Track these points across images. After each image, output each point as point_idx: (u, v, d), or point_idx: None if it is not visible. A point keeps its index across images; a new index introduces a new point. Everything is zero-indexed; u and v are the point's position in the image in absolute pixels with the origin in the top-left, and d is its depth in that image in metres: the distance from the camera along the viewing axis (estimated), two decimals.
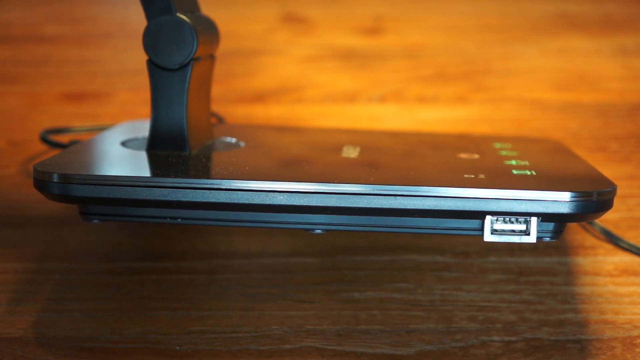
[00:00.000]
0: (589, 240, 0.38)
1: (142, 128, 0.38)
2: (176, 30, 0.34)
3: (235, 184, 0.30)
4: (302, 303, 0.33)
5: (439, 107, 0.58)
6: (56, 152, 0.46)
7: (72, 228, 0.38)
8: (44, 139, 0.45)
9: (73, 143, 0.42)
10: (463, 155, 0.36)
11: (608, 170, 0.46)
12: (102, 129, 0.49)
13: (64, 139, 0.46)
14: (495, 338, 0.31)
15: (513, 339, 0.31)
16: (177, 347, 0.30)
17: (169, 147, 0.34)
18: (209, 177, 0.31)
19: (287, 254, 0.36)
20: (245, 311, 0.32)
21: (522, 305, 0.33)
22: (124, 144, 0.36)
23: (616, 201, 0.42)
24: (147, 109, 0.35)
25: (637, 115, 0.56)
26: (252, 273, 0.35)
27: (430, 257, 0.36)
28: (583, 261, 0.36)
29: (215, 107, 0.55)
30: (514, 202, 0.29)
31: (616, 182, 0.44)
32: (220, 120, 0.52)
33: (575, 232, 0.39)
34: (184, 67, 0.34)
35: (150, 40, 0.34)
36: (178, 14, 0.34)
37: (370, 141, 0.39)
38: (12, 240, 0.37)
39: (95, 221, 0.31)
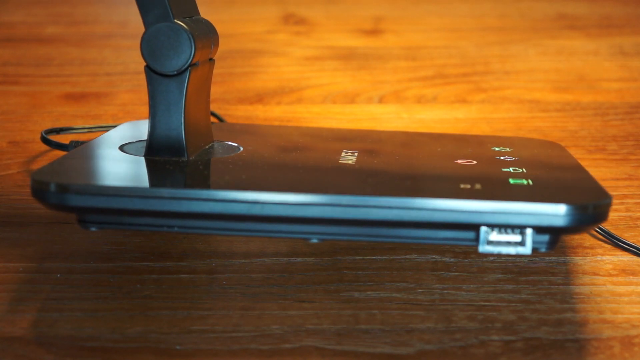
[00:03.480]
0: (587, 240, 0.38)
1: (142, 129, 0.38)
2: (174, 37, 0.34)
3: (231, 196, 0.30)
4: (302, 303, 0.33)
5: (439, 108, 0.58)
6: (57, 152, 0.46)
7: (73, 228, 0.38)
8: (45, 139, 0.45)
9: (74, 142, 0.42)
10: (461, 162, 0.36)
11: (606, 171, 0.46)
12: (102, 129, 0.49)
13: (64, 139, 0.46)
14: (495, 337, 0.31)
15: (512, 338, 0.31)
16: (178, 347, 0.30)
17: (166, 153, 0.34)
18: (205, 188, 0.31)
19: (287, 254, 0.36)
20: (246, 311, 0.32)
21: (521, 304, 0.33)
22: (122, 148, 0.36)
23: (615, 201, 0.42)
24: (147, 109, 0.35)
25: (636, 116, 0.56)
26: (253, 273, 0.35)
27: (430, 256, 0.36)
28: (582, 261, 0.36)
29: (215, 108, 0.55)
30: (509, 215, 0.29)
31: (614, 183, 0.45)
32: (221, 120, 0.53)
33: None
34: (181, 73, 0.34)
35: (148, 46, 0.34)
36: (176, 20, 0.34)
37: (368, 144, 0.39)
38: (14, 240, 0.37)
39: (93, 229, 0.31)
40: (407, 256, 0.36)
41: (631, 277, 0.35)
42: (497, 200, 0.29)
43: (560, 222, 0.29)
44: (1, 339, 0.30)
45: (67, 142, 0.44)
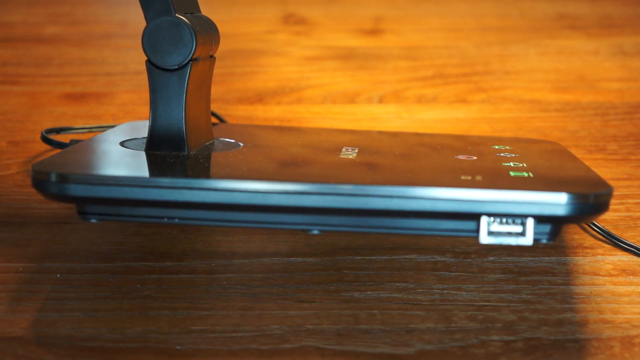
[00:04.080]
0: (587, 240, 0.38)
1: (142, 128, 0.38)
2: (175, 31, 0.34)
3: (232, 185, 0.30)
4: (302, 303, 0.33)
5: (439, 108, 0.58)
6: (57, 152, 0.46)
7: (73, 227, 0.38)
8: (45, 138, 0.45)
9: (74, 142, 0.42)
10: (461, 157, 0.36)
11: (607, 171, 0.46)
12: (102, 129, 0.49)
13: (65, 139, 0.46)
14: (495, 337, 0.31)
15: (512, 338, 0.31)
16: (178, 347, 0.30)
17: (167, 148, 0.35)
18: (205, 177, 0.31)
19: (287, 254, 0.36)
20: (246, 311, 0.32)
21: (521, 304, 0.33)
22: (123, 144, 0.36)
23: (615, 201, 0.42)
24: (148, 109, 0.35)
25: (636, 116, 0.56)
26: (253, 273, 0.35)
27: (430, 256, 0.36)
28: (582, 261, 0.36)
29: (215, 108, 0.55)
30: (510, 204, 0.29)
31: (615, 183, 0.45)
32: (221, 120, 0.53)
33: (575, 232, 0.39)
34: (182, 67, 0.34)
35: (149, 41, 0.34)
36: (177, 15, 0.34)
37: (369, 142, 0.39)
38: (14, 240, 0.37)
39: (93, 221, 0.31)
40: (407, 256, 0.36)
41: (631, 277, 0.35)
42: (498, 189, 0.29)
43: (561, 211, 0.29)
44: (1, 339, 0.30)
45: (67, 141, 0.44)
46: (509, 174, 0.33)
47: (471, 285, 0.34)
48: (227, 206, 0.30)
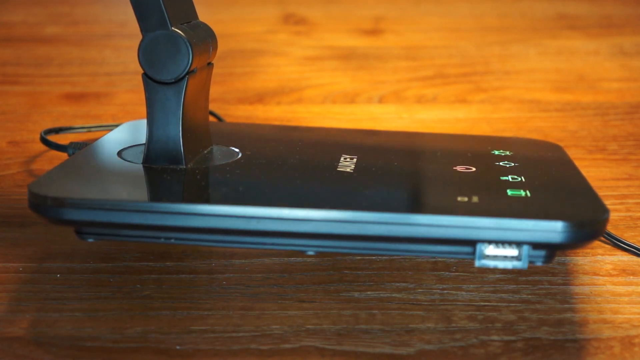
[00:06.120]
0: None
1: (141, 130, 0.38)
2: (171, 45, 0.34)
3: (228, 211, 0.30)
4: (302, 303, 0.33)
5: (439, 108, 0.58)
6: (56, 152, 0.46)
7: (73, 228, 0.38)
8: (44, 139, 0.45)
9: (73, 144, 0.42)
10: (459, 169, 0.36)
11: (607, 171, 0.46)
12: (102, 128, 0.49)
13: (64, 139, 0.46)
14: (495, 337, 0.31)
15: (512, 338, 0.31)
16: (178, 347, 0.30)
17: (165, 161, 0.34)
18: (202, 203, 0.31)
19: (287, 254, 0.36)
20: (246, 311, 0.32)
21: (521, 304, 0.33)
22: (120, 154, 0.36)
23: (615, 201, 0.42)
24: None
25: (636, 116, 0.56)
26: (253, 273, 0.35)
27: (430, 256, 0.36)
28: (582, 261, 0.36)
29: (215, 108, 0.55)
30: (506, 232, 0.29)
31: (615, 183, 0.45)
32: (220, 120, 0.53)
33: None
34: (179, 80, 0.34)
35: (145, 54, 0.34)
36: (173, 28, 0.34)
37: (367, 148, 0.39)
38: (13, 240, 0.37)
39: (90, 240, 0.31)
40: (407, 256, 0.36)
41: (631, 277, 0.35)
42: (494, 217, 0.29)
43: (557, 238, 0.29)
44: (1, 339, 0.30)
45: (66, 142, 0.44)
46: (506, 193, 0.32)
47: (471, 285, 0.34)
48: (223, 231, 0.30)
